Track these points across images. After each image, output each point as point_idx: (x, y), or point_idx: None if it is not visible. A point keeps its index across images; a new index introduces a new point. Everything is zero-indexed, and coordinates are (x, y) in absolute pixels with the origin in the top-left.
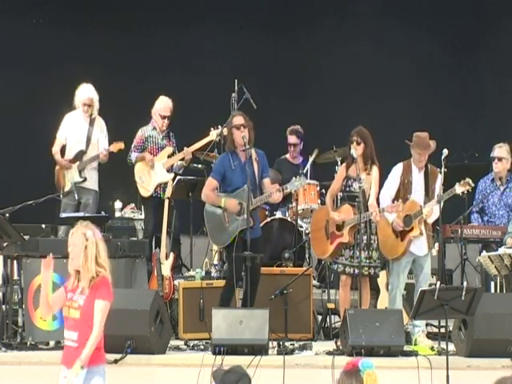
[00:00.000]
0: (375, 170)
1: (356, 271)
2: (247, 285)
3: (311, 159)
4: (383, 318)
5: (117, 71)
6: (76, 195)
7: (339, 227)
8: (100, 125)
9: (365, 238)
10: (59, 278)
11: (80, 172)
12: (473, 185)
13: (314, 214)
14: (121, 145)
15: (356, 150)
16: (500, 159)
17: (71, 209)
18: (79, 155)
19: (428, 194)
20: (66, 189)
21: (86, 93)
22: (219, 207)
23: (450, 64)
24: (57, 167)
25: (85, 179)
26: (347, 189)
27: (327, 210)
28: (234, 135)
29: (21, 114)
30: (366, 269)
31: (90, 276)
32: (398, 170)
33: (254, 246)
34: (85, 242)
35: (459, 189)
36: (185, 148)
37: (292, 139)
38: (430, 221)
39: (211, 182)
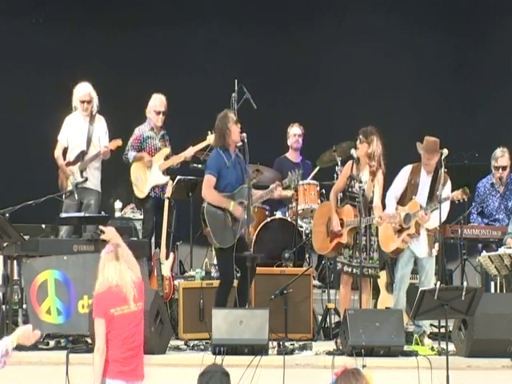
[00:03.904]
0: (380, 174)
1: (354, 271)
2: (243, 283)
3: (311, 175)
4: (383, 318)
5: (117, 71)
6: (76, 195)
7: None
8: (100, 122)
9: (364, 238)
10: (61, 276)
11: (81, 172)
12: (469, 194)
13: (317, 208)
14: (118, 142)
15: (358, 149)
16: (504, 168)
17: (73, 209)
18: (80, 156)
19: (432, 198)
20: (68, 189)
21: (83, 90)
22: (223, 209)
23: (450, 64)
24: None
25: (86, 179)
26: (349, 189)
27: (330, 207)
28: (232, 131)
29: (21, 113)
30: (366, 269)
31: None
32: (406, 171)
33: (242, 244)
34: None
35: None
36: (190, 147)
37: (295, 130)
38: (428, 226)
39: (211, 179)
